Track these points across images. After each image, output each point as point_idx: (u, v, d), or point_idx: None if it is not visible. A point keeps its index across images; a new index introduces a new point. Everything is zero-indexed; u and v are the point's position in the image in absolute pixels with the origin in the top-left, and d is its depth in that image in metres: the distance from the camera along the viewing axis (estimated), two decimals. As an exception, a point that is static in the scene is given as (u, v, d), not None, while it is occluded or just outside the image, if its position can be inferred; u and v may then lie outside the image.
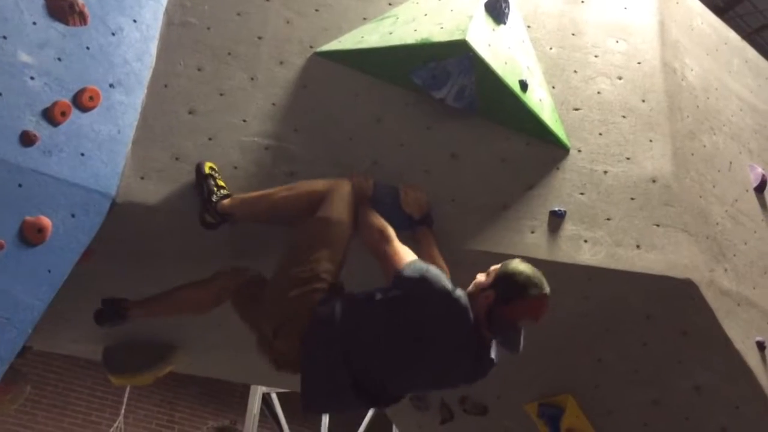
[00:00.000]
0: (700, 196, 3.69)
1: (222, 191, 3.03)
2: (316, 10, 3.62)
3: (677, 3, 4.26)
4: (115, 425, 9.43)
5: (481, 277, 2.80)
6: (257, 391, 8.85)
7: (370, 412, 8.15)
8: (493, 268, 2.80)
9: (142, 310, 3.32)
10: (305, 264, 2.83)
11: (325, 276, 2.82)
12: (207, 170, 3.04)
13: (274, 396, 8.94)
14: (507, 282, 2.73)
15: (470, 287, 2.79)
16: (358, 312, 2.79)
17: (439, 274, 2.73)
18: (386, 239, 2.87)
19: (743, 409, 3.63)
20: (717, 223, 3.72)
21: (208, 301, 3.25)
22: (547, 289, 2.75)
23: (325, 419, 9.06)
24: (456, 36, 3.30)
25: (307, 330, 2.76)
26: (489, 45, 3.39)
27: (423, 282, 2.68)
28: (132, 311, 3.32)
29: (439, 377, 2.84)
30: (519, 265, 2.77)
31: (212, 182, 3.02)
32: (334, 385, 2.77)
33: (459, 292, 2.70)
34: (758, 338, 3.60)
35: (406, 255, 2.80)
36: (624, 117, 3.65)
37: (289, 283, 2.83)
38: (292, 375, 2.89)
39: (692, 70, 4.08)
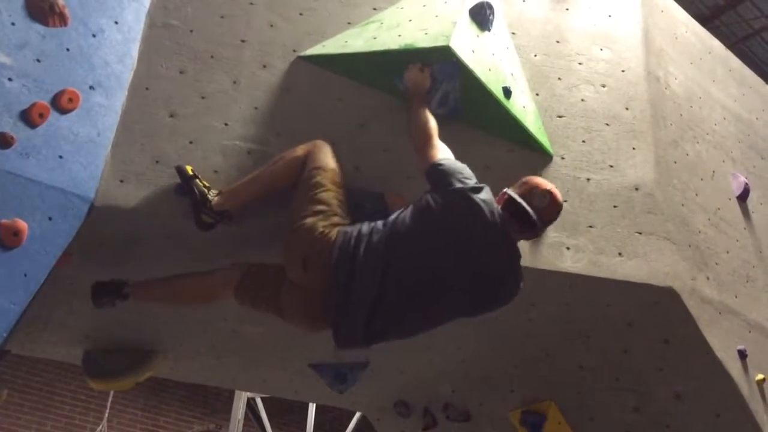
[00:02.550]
0: (683, 205, 3.70)
1: (212, 190, 3.02)
2: (301, 14, 3.60)
3: (662, 11, 4.28)
4: (99, 429, 9.33)
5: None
6: (242, 396, 8.79)
7: (355, 418, 8.12)
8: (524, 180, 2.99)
9: (141, 292, 3.25)
10: (313, 206, 2.90)
11: (337, 210, 2.92)
12: (190, 172, 3.03)
13: (258, 401, 8.88)
14: (530, 189, 2.94)
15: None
16: (391, 225, 2.87)
17: (467, 171, 2.90)
18: (429, 138, 3.02)
19: (724, 417, 3.64)
20: (699, 232, 3.72)
21: (207, 294, 3.22)
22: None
23: (310, 423, 9.00)
24: (440, 42, 3.29)
25: (336, 257, 2.80)
26: (473, 51, 3.39)
27: (452, 174, 2.85)
28: (133, 292, 3.24)
29: (474, 281, 2.85)
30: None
31: (200, 183, 3.01)
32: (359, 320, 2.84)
33: (483, 192, 2.86)
34: (739, 347, 3.61)
35: (445, 152, 2.97)
36: (607, 125, 3.66)
37: (303, 226, 2.88)
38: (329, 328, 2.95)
39: (676, 78, 4.09)
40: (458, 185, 2.83)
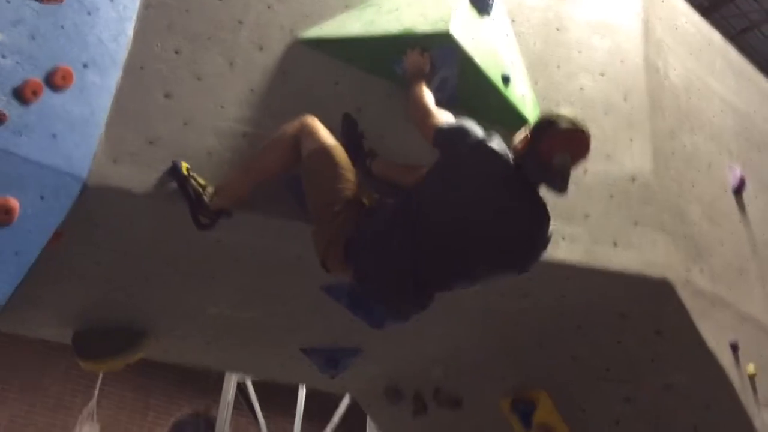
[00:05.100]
0: (679, 196, 3.69)
1: (208, 189, 2.96)
2: (299, -4, 3.56)
3: (662, 2, 4.25)
4: (88, 409, 9.33)
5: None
6: (232, 379, 8.80)
7: (345, 401, 8.13)
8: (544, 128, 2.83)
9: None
10: (329, 196, 2.84)
11: (351, 195, 2.85)
12: (185, 171, 2.96)
13: (249, 383, 8.89)
14: (538, 123, 2.82)
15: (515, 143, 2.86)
16: (409, 197, 2.82)
17: (473, 124, 2.82)
18: (426, 109, 2.97)
19: (715, 409, 3.65)
20: (694, 223, 3.72)
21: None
22: (580, 126, 2.75)
23: (300, 406, 9.02)
24: (439, 27, 3.25)
25: (358, 246, 2.78)
26: (472, 37, 3.35)
27: (459, 131, 2.79)
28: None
29: (503, 238, 2.76)
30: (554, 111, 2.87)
31: (195, 182, 2.95)
32: (396, 292, 2.81)
33: (494, 141, 2.76)
34: (732, 339, 3.61)
35: (445, 116, 2.90)
36: (605, 114, 3.64)
37: (325, 217, 2.85)
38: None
39: (675, 69, 4.08)
40: (468, 140, 2.76)
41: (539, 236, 2.81)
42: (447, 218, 2.74)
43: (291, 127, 3.02)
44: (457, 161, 2.77)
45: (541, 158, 2.73)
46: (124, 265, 3.48)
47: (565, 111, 2.85)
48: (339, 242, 2.81)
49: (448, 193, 2.76)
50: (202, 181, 2.98)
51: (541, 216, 2.81)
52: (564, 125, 2.73)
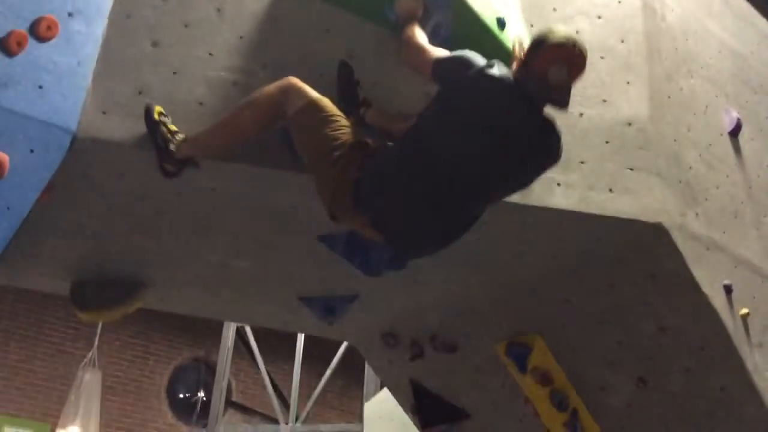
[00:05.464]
0: (675, 140, 3.67)
1: (177, 136, 2.91)
2: (289, -61, 3.45)
3: (661, -61, 4.14)
4: (89, 356, 9.44)
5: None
6: (231, 325, 8.88)
7: (344, 345, 8.23)
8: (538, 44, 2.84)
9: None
10: (324, 146, 2.81)
11: (347, 139, 2.81)
12: (156, 116, 2.90)
13: (248, 329, 8.98)
14: (531, 41, 2.84)
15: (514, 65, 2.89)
16: (415, 131, 2.81)
17: (473, 53, 2.79)
18: (420, 47, 2.93)
19: (707, 351, 3.71)
20: (690, 168, 3.71)
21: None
22: (572, 39, 2.78)
23: (299, 350, 9.13)
24: (433, -30, 3.18)
25: (365, 190, 2.75)
26: (466, -21, 3.28)
27: (458, 60, 2.77)
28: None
29: (512, 158, 2.79)
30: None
31: (164, 129, 2.90)
32: (419, 224, 2.80)
33: (495, 67, 2.74)
34: (725, 282, 3.64)
35: (440, 51, 2.87)
36: (602, 58, 3.58)
37: (325, 167, 2.82)
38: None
39: (672, 10, 4.00)
40: (468, 68, 2.73)
41: (549, 150, 2.86)
42: (456, 146, 2.73)
43: (271, 87, 2.94)
44: (460, 90, 2.75)
45: (537, 75, 2.74)
46: (118, 216, 3.46)
47: (557, 27, 2.85)
48: (345, 188, 2.78)
49: (454, 121, 2.75)
50: (172, 128, 2.93)
51: (549, 130, 2.83)
52: (556, 39, 2.75)
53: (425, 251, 3.01)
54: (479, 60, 2.77)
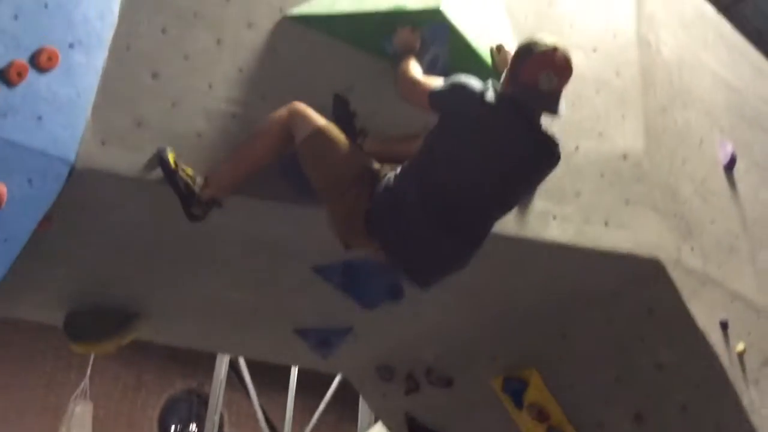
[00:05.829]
0: (670, 174, 3.68)
1: (197, 180, 2.92)
2: (288, -28, 3.50)
3: (655, -25, 4.21)
4: (81, 386, 9.35)
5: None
6: (224, 356, 8.81)
7: (338, 377, 8.17)
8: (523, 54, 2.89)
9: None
10: (333, 174, 2.85)
11: (356, 167, 2.85)
12: (173, 163, 2.90)
13: (241, 360, 8.91)
14: (516, 53, 2.88)
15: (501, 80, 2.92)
16: (421, 158, 2.84)
17: (468, 79, 2.82)
18: (415, 80, 2.95)
19: (704, 387, 3.68)
20: (686, 201, 3.72)
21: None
22: (556, 46, 2.82)
23: (293, 382, 9.06)
24: (430, 3, 3.21)
25: (376, 217, 2.78)
26: (463, 14, 3.31)
27: (455, 89, 2.80)
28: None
29: (516, 173, 2.87)
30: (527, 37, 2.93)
31: (184, 174, 2.90)
32: (433, 247, 2.82)
33: (490, 90, 2.78)
34: (722, 318, 3.63)
35: (435, 81, 2.89)
36: (597, 91, 3.61)
37: (336, 195, 2.85)
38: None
39: (667, 44, 4.04)
40: (465, 95, 2.78)
41: (551, 157, 2.92)
42: (464, 170, 2.79)
43: (278, 114, 2.98)
44: (461, 118, 2.79)
45: (528, 86, 2.79)
46: (114, 247, 3.45)
47: (540, 36, 2.89)
48: (357, 216, 2.81)
49: (459, 146, 2.79)
50: (189, 172, 2.93)
51: (548, 140, 2.89)
52: (540, 48, 2.81)
53: (438, 276, 2.98)
54: (475, 84, 2.80)
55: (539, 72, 2.78)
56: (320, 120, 2.93)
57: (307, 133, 2.89)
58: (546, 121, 2.91)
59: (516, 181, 2.89)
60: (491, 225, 2.94)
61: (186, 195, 2.90)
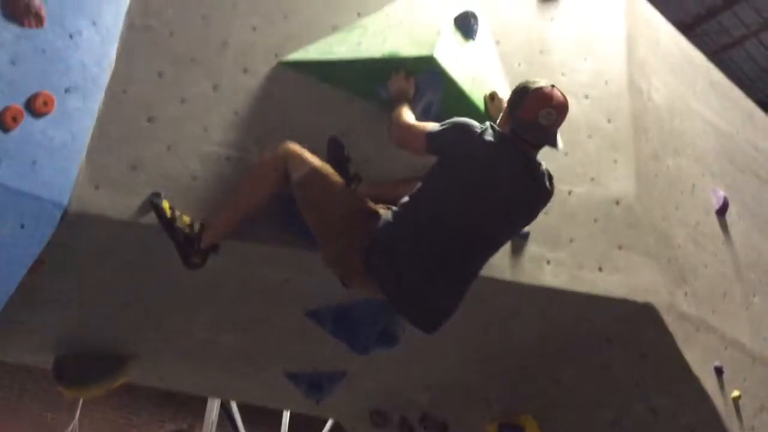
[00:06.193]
0: (663, 219, 3.70)
1: (194, 227, 2.92)
2: (284, 17, 3.54)
3: (646, 23, 4.28)
4: (70, 428, 9.21)
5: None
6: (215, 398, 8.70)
7: (329, 424, 8.08)
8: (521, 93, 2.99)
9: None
10: (331, 214, 2.86)
11: (353, 207, 2.87)
12: (169, 212, 2.90)
13: (233, 403, 8.80)
14: (513, 94, 3.00)
15: (499, 120, 3.02)
16: (419, 198, 2.88)
17: (466, 120, 2.91)
18: (408, 124, 3.01)
19: (699, 433, 3.65)
20: (679, 246, 3.73)
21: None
22: (546, 83, 2.97)
23: (285, 426, 8.95)
24: (424, 51, 3.25)
25: (374, 255, 2.79)
26: (457, 61, 3.35)
27: (455, 129, 2.87)
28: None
29: (515, 210, 2.95)
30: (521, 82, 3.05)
31: (181, 224, 2.90)
32: (430, 286, 2.84)
33: (489, 131, 2.87)
34: (716, 363, 3.61)
35: (429, 125, 2.96)
36: (590, 137, 3.65)
37: (333, 235, 2.86)
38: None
39: (658, 90, 4.10)
40: (462, 136, 2.85)
41: (548, 192, 3.00)
42: (464, 209, 2.84)
43: (271, 154, 3.00)
44: (461, 157, 2.85)
45: (529, 122, 2.89)
46: (106, 291, 3.43)
47: (533, 78, 3.03)
48: (355, 254, 2.82)
49: (460, 185, 2.84)
50: (187, 220, 2.93)
51: (544, 176, 2.97)
52: (537, 86, 2.93)
53: (435, 317, 2.96)
54: (473, 124, 2.87)
55: (540, 108, 2.88)
56: (315, 160, 2.95)
57: (304, 173, 2.90)
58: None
59: (514, 217, 2.96)
60: (485, 262, 2.97)
61: (184, 245, 2.90)
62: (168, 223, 2.90)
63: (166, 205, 2.91)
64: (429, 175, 2.93)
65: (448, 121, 2.93)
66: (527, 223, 3.08)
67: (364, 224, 2.84)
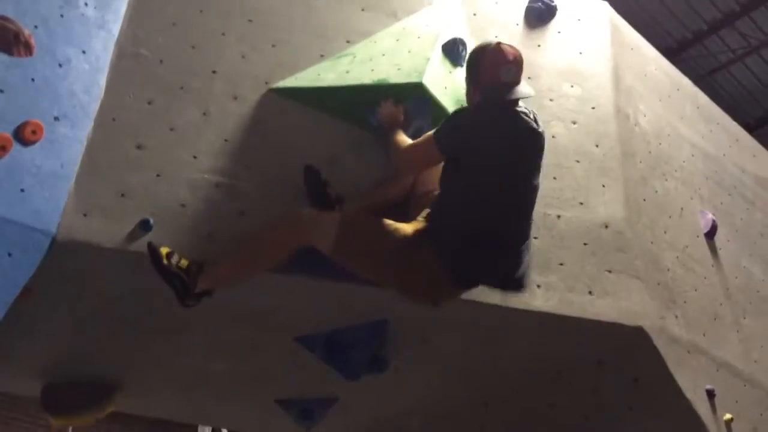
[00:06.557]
0: (652, 242, 3.71)
1: (192, 268, 2.91)
2: (273, 46, 3.57)
3: (632, 49, 4.32)
4: (59, 458, 9.07)
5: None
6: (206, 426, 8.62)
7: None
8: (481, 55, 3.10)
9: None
10: (383, 254, 2.87)
11: (401, 237, 2.89)
12: (165, 259, 2.88)
13: (223, 430, 8.71)
14: (468, 65, 3.13)
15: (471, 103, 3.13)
16: (455, 198, 2.94)
17: (452, 113, 3.05)
18: (410, 145, 3.08)
19: (692, 457, 3.63)
20: (668, 270, 3.74)
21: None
22: (491, 42, 3.11)
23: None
24: (413, 78, 3.29)
25: (454, 261, 2.85)
26: (445, 87, 3.39)
27: (451, 123, 2.95)
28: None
29: (531, 161, 3.05)
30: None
31: (177, 270, 2.88)
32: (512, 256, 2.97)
33: (473, 108, 3.03)
34: (708, 387, 3.61)
35: (422, 137, 3.05)
36: (578, 162, 3.67)
37: (401, 269, 2.89)
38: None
39: (645, 115, 4.13)
40: (467, 121, 2.93)
41: (542, 137, 3.08)
42: (501, 182, 2.92)
43: (289, 224, 2.96)
44: (470, 139, 2.89)
45: (493, 84, 2.98)
46: (94, 318, 3.41)
47: (480, 43, 3.16)
48: (440, 275, 2.85)
49: (485, 163, 2.90)
50: (184, 264, 2.91)
51: (536, 122, 3.05)
52: (486, 49, 3.05)
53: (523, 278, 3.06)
54: (463, 111, 3.00)
55: (497, 68, 2.98)
56: (332, 215, 2.93)
57: (334, 233, 2.86)
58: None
59: (533, 167, 3.04)
60: (531, 215, 3.09)
61: (180, 290, 2.90)
62: (164, 271, 2.88)
63: (164, 251, 2.90)
64: (452, 170, 2.97)
65: (442, 122, 3.01)
66: (540, 167, 3.12)
67: (416, 243, 2.86)
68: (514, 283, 3.02)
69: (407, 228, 2.93)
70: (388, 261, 2.88)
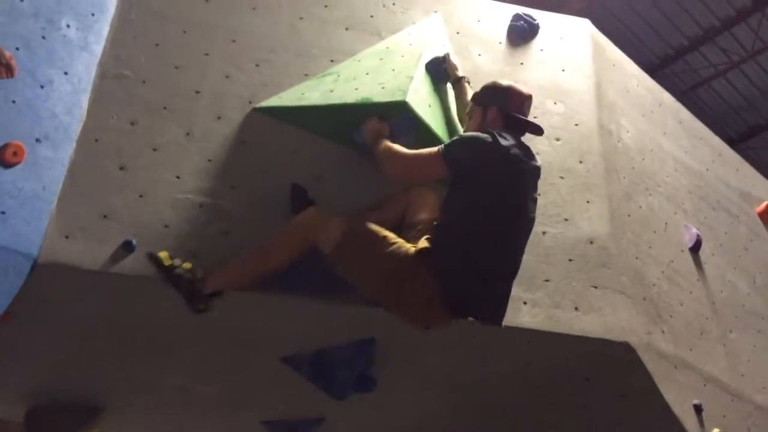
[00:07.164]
0: (637, 258, 3.72)
1: (197, 273, 2.92)
2: (257, 66, 3.58)
3: (613, 66, 4.36)
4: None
5: (474, 117, 3.24)
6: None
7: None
8: (471, 103, 3.29)
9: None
10: (383, 270, 2.85)
11: (403, 252, 2.87)
12: (166, 261, 2.90)
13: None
14: (495, 96, 3.21)
15: (473, 126, 3.20)
16: (449, 222, 2.95)
17: (470, 134, 3.06)
18: (407, 155, 3.07)
19: (681, 473, 3.62)
20: (653, 285, 3.75)
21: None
22: (508, 81, 3.32)
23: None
24: (397, 97, 3.29)
25: (453, 285, 2.84)
26: (429, 105, 3.40)
27: (470, 142, 2.99)
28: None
29: (532, 193, 3.12)
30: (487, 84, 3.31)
31: (182, 272, 2.90)
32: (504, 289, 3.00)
33: (495, 136, 2.99)
34: (695, 401, 3.61)
35: (425, 150, 3.05)
36: (562, 178, 3.68)
37: (392, 289, 2.87)
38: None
39: (628, 131, 4.16)
40: (487, 146, 2.94)
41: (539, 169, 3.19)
42: (511, 207, 2.98)
43: (299, 220, 2.98)
44: (484, 165, 2.93)
45: (518, 113, 3.17)
46: (78, 341, 3.37)
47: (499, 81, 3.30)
48: (436, 298, 2.83)
49: (494, 191, 2.94)
50: (187, 266, 2.91)
51: (535, 158, 3.16)
52: (508, 83, 3.26)
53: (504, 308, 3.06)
54: (482, 136, 2.99)
55: (522, 101, 3.20)
56: (341, 221, 2.93)
57: (334, 239, 2.88)
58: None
59: (534, 201, 3.11)
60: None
61: (189, 292, 2.89)
62: (168, 274, 2.89)
63: (163, 255, 2.91)
64: (457, 192, 2.98)
65: (455, 138, 3.07)
66: (536, 200, 3.19)
67: (416, 263, 2.84)
68: (497, 316, 3.01)
69: (410, 246, 2.92)
70: (383, 274, 2.86)
